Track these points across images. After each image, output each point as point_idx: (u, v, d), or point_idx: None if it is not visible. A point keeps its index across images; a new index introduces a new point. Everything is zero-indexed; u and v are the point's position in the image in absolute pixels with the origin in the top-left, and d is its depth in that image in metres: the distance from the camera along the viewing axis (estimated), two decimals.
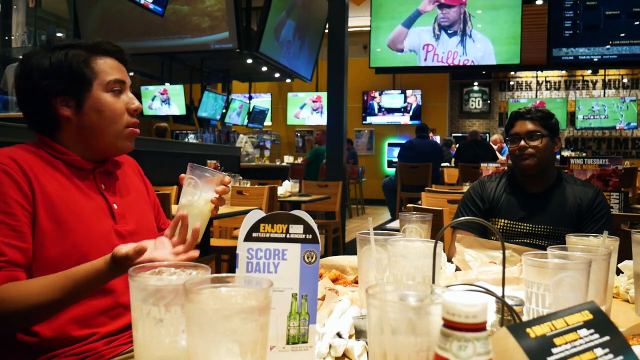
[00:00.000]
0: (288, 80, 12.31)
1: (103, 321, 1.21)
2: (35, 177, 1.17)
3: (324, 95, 12.44)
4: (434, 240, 0.87)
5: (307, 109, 13.09)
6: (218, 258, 3.84)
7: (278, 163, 10.42)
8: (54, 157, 1.26)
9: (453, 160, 9.22)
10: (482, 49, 6.89)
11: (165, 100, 10.51)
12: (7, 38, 5.95)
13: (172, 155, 5.20)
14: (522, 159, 2.05)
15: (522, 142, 2.05)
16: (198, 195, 1.20)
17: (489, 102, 13.06)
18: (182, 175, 1.24)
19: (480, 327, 0.49)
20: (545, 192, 2.08)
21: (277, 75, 11.25)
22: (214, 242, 3.93)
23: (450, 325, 0.50)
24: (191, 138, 10.01)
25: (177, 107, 10.45)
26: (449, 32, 6.99)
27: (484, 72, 11.93)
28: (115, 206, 1.31)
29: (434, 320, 0.55)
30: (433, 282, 0.89)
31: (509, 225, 2.07)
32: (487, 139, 11.11)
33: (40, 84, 1.24)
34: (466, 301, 0.49)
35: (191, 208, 1.21)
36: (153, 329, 0.69)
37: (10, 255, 1.09)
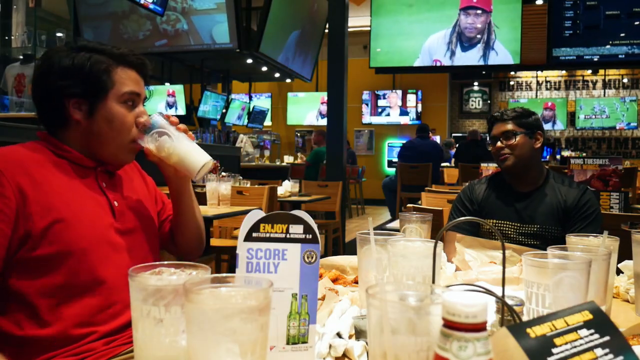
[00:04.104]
0: (288, 80, 12.31)
1: (102, 319, 1.21)
2: (29, 176, 1.16)
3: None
4: (434, 240, 0.87)
5: (314, 112, 13.13)
6: (218, 258, 3.84)
7: (278, 163, 10.42)
8: (57, 155, 1.26)
9: (453, 160, 9.21)
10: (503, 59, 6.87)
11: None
12: (7, 38, 5.95)
13: None
14: (501, 159, 2.12)
15: (499, 143, 2.12)
16: (171, 138, 1.32)
17: (489, 102, 13.06)
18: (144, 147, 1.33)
19: (480, 327, 0.49)
20: (533, 191, 2.11)
21: (277, 75, 11.25)
22: (214, 242, 3.93)
23: (450, 325, 0.50)
24: None
25: (177, 107, 10.48)
26: (465, 44, 6.92)
27: (484, 72, 11.93)
28: (115, 203, 1.31)
29: (434, 320, 0.55)
30: (433, 282, 0.89)
31: (497, 225, 2.09)
32: (487, 139, 11.09)
33: (57, 83, 1.25)
34: (466, 301, 0.49)
35: (178, 146, 1.32)
36: (153, 329, 0.69)
37: None
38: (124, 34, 8.29)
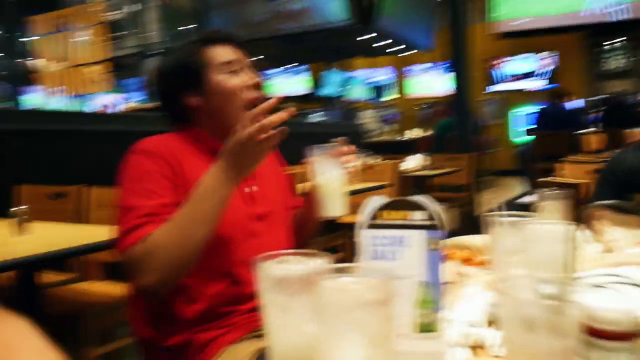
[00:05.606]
0: (408, 53, 12.04)
1: (244, 299, 1.29)
2: (178, 163, 1.27)
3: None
4: (572, 222, 0.80)
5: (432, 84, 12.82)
6: (347, 235, 3.89)
7: (401, 138, 10.31)
8: (194, 143, 1.36)
9: (593, 126, 8.49)
10: None
11: None
12: (144, 35, 6.44)
13: (296, 135, 5.31)
14: None
15: None
16: (328, 174, 1.33)
17: (633, 59, 11.78)
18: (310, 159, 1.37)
19: (624, 337, 0.43)
20: None
21: (396, 48, 11.05)
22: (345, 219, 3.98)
23: (591, 331, 0.45)
24: (314, 117, 10.20)
25: (300, 87, 10.75)
26: None
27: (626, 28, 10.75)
28: (250, 189, 1.38)
29: (572, 321, 0.50)
30: (571, 271, 0.82)
31: None
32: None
33: (167, 84, 1.39)
34: (608, 305, 0.43)
35: (326, 186, 1.34)
36: (280, 316, 0.71)
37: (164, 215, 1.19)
38: (248, 17, 8.59)
